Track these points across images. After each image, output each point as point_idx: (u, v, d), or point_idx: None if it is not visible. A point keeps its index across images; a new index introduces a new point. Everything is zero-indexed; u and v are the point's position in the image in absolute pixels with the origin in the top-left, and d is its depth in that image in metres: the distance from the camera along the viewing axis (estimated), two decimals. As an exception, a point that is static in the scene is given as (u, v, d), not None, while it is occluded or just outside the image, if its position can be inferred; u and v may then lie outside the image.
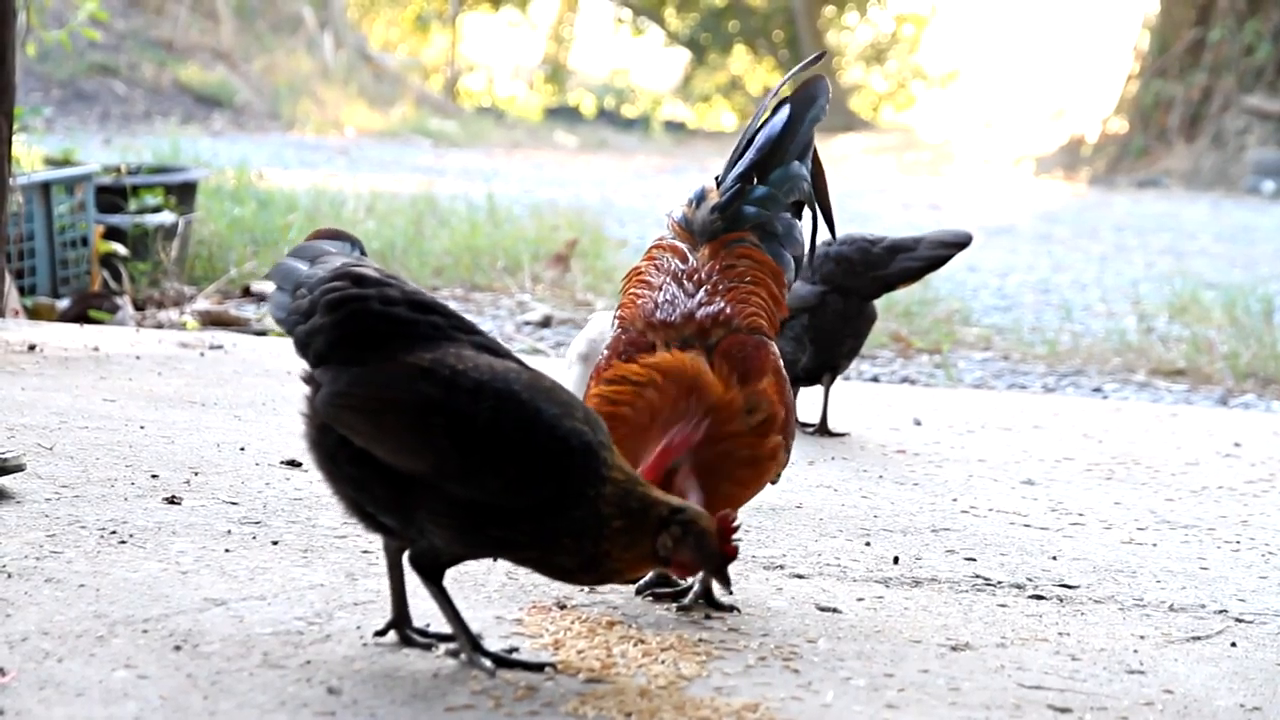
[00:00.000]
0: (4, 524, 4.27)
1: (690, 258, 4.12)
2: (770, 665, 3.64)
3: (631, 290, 4.12)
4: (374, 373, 3.38)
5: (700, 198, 4.23)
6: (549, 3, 41.49)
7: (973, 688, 3.60)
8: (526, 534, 3.34)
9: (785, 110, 4.28)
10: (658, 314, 3.99)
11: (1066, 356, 9.77)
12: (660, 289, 4.06)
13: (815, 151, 4.38)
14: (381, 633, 3.60)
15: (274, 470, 5.10)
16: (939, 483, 5.70)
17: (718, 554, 3.44)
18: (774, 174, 4.23)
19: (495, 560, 4.14)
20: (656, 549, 3.39)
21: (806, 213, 4.37)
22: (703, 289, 4.03)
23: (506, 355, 3.47)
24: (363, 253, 3.72)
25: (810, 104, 4.31)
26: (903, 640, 3.90)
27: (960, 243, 6.55)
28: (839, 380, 6.80)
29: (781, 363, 4.05)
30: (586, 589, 4.05)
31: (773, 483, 4.10)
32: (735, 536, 3.47)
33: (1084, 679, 3.72)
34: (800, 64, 4.42)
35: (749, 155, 4.24)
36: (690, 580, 4.09)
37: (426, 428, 3.32)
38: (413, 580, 3.53)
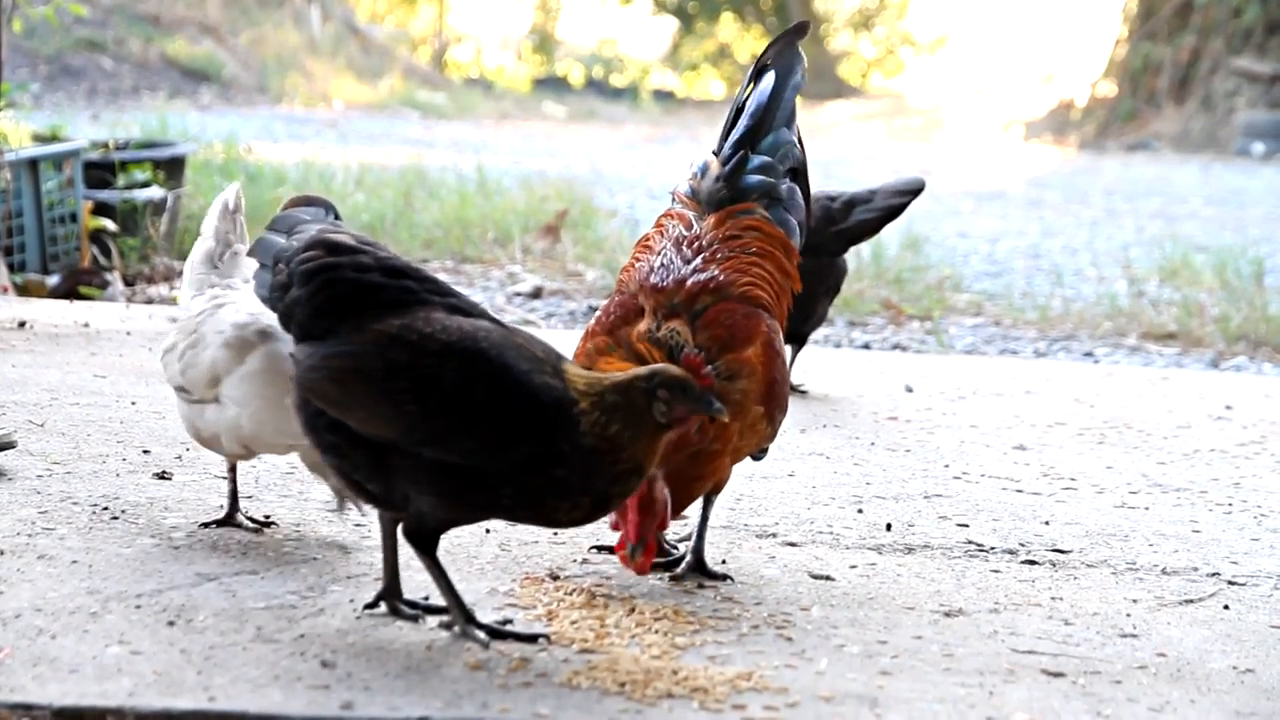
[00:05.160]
0: (-4, 501, 4.27)
1: (695, 225, 4.12)
2: (764, 634, 3.65)
3: (636, 254, 4.14)
4: (344, 343, 3.39)
5: (704, 170, 4.22)
6: (536, -28, 41.43)
7: (966, 653, 3.61)
8: (510, 497, 3.33)
9: (770, 76, 4.28)
10: (651, 278, 4.00)
11: (1057, 321, 9.77)
12: (660, 254, 4.06)
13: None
14: (372, 604, 3.60)
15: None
16: (931, 449, 5.70)
17: (703, 392, 3.43)
18: (765, 142, 4.23)
19: (488, 532, 4.15)
20: (656, 418, 3.37)
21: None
22: (700, 256, 4.03)
23: (481, 315, 3.46)
24: (337, 216, 3.73)
25: (790, 73, 4.31)
26: (896, 607, 3.91)
27: (914, 189, 6.66)
28: (830, 348, 6.81)
29: (776, 335, 4.03)
30: (579, 558, 4.06)
31: (756, 458, 4.08)
32: (704, 370, 3.72)
33: (1077, 643, 3.72)
34: (780, 33, 4.41)
35: (744, 121, 4.24)
36: (681, 549, 4.10)
37: (394, 394, 3.32)
38: (406, 552, 3.53)
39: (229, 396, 3.98)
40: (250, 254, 3.71)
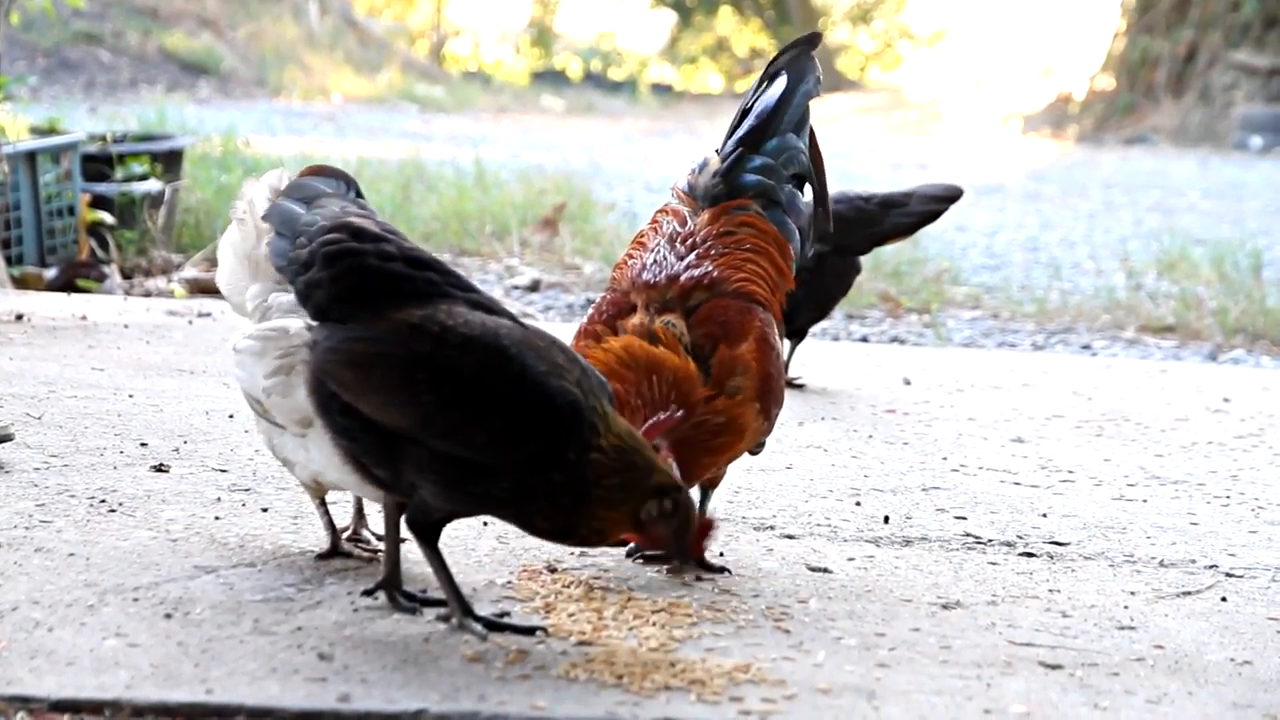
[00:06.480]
0: (-7, 494, 4.26)
1: (689, 221, 4.11)
2: (761, 626, 3.64)
3: (630, 250, 4.13)
4: (364, 329, 3.37)
5: (703, 165, 4.22)
6: (534, -35, 41.39)
7: (964, 646, 3.60)
8: (504, 489, 3.32)
9: (781, 80, 4.28)
10: (644, 275, 4.00)
11: (1055, 314, 9.78)
12: (653, 250, 4.06)
13: (811, 130, 4.36)
14: (371, 592, 3.59)
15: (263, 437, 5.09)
16: (929, 442, 5.70)
17: (687, 547, 3.45)
18: (769, 144, 4.22)
19: (485, 524, 4.15)
20: (639, 512, 3.36)
21: (807, 188, 4.36)
22: (693, 253, 4.03)
23: (502, 313, 3.46)
24: (358, 193, 3.71)
25: (802, 79, 4.31)
26: (894, 599, 3.91)
27: (951, 196, 6.62)
28: (830, 340, 6.82)
29: (771, 330, 4.03)
30: (577, 551, 4.06)
31: (753, 453, 4.08)
32: (708, 542, 3.48)
33: (1075, 636, 3.72)
34: (794, 41, 4.40)
35: (749, 121, 4.24)
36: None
37: (412, 383, 3.30)
38: (407, 545, 3.52)
39: (318, 445, 3.69)
40: (265, 219, 3.67)
